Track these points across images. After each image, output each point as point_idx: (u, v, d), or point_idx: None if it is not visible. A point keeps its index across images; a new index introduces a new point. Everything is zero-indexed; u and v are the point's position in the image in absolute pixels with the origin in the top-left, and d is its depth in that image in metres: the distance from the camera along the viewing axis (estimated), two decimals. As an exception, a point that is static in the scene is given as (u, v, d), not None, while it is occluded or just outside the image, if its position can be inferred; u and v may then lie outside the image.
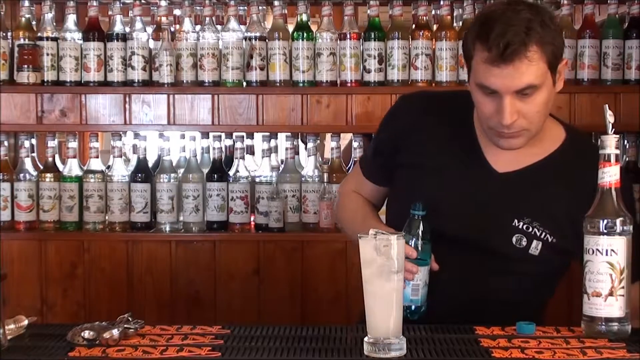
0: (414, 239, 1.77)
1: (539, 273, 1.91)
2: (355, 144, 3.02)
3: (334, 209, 2.14)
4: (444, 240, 1.84)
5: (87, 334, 1.57)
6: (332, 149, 3.05)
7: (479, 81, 1.77)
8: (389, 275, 1.50)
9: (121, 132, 3.07)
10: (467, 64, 1.83)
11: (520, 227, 1.85)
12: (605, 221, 1.57)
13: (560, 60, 1.79)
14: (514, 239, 1.85)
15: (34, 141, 3.13)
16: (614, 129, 1.62)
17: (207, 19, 3.01)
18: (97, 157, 3.07)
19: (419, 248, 1.77)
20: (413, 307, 1.78)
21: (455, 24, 3.08)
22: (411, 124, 1.97)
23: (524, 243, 1.85)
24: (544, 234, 1.85)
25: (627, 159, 2.97)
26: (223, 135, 3.06)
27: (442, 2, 2.97)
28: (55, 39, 3.02)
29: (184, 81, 2.99)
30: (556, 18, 1.85)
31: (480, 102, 1.81)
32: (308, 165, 3.05)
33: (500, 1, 1.82)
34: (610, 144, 1.60)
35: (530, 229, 1.84)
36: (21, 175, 3.05)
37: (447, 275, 1.82)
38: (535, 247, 1.86)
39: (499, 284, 1.87)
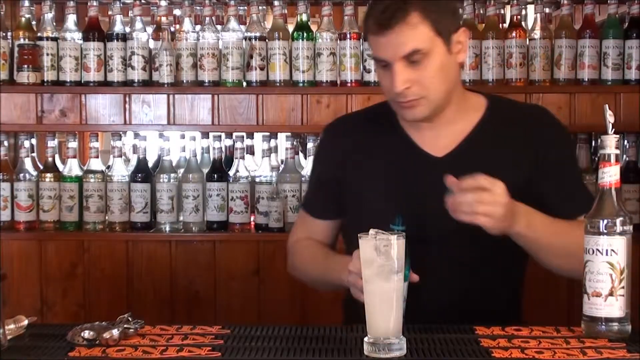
0: None
1: (500, 252, 1.88)
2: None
3: (288, 262, 2.08)
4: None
5: (87, 334, 1.57)
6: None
7: (372, 54, 1.84)
8: (389, 275, 1.50)
9: (121, 132, 3.07)
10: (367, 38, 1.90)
11: None
12: (605, 221, 1.57)
13: (454, 29, 1.82)
14: None
15: (34, 141, 3.13)
16: (614, 129, 1.62)
17: (207, 19, 3.01)
18: (97, 157, 3.07)
19: None
20: None
21: (455, 24, 3.07)
22: (341, 149, 1.99)
23: None
24: None
25: (627, 159, 2.97)
26: (223, 135, 3.06)
27: (442, 2, 2.96)
28: (55, 39, 3.02)
29: (184, 81, 2.99)
30: None
31: (380, 77, 1.88)
32: (308, 165, 3.05)
33: None
34: (610, 144, 1.60)
35: None
36: (21, 175, 3.05)
37: (425, 280, 1.78)
38: None
39: (479, 275, 1.89)
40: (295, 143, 3.09)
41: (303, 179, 3.02)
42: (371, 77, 2.96)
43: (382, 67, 1.82)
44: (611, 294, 1.57)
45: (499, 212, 1.69)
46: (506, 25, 3.08)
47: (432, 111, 1.85)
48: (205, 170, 3.06)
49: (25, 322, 1.65)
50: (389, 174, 1.93)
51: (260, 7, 3.03)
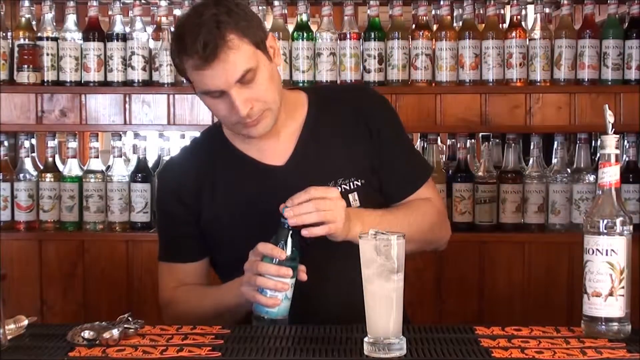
0: (282, 246, 1.73)
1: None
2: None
3: (170, 315, 2.00)
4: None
5: (87, 334, 1.57)
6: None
7: (201, 89, 1.81)
8: (389, 275, 1.50)
9: (121, 132, 3.07)
10: (185, 79, 1.86)
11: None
12: (605, 221, 1.57)
13: (265, 36, 1.84)
14: None
15: (34, 141, 3.14)
16: (614, 129, 1.62)
17: (207, 19, 3.01)
18: (97, 157, 3.07)
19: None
20: (266, 318, 1.73)
21: (455, 24, 3.08)
22: (182, 189, 1.97)
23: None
24: (351, 183, 1.90)
25: (627, 159, 2.97)
26: (223, 135, 3.05)
27: (442, 2, 2.97)
28: (55, 39, 3.02)
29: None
30: (246, 6, 1.87)
31: (214, 108, 1.85)
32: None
33: (188, 10, 1.88)
34: (610, 144, 1.60)
35: (341, 188, 1.87)
36: (21, 175, 3.05)
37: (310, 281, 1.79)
38: (354, 199, 1.90)
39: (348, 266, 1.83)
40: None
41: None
42: (371, 77, 2.96)
43: (214, 97, 1.81)
44: (611, 294, 1.57)
45: (341, 215, 1.73)
46: (506, 25, 3.08)
47: (274, 121, 1.87)
48: (205, 170, 3.05)
49: (25, 322, 1.65)
50: (240, 198, 1.94)
51: (260, 7, 3.03)
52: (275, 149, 1.93)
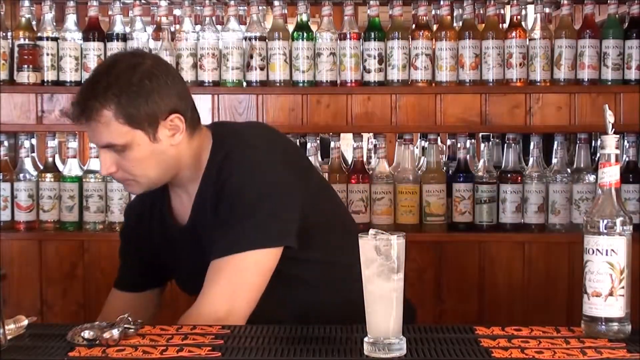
0: None
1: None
2: (354, 144, 3.03)
3: None
4: None
5: (87, 334, 1.57)
6: (331, 149, 3.05)
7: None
8: (389, 275, 1.50)
9: (121, 132, 3.06)
10: None
11: None
12: (605, 221, 1.57)
13: (162, 116, 1.80)
14: None
15: (34, 141, 3.13)
16: (614, 129, 1.62)
17: (207, 19, 3.01)
18: (97, 157, 3.06)
19: None
20: None
21: (455, 24, 3.08)
22: (133, 227, 2.09)
23: None
24: None
25: (627, 159, 2.97)
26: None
27: (442, 2, 2.97)
28: (55, 39, 3.02)
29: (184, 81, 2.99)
30: (163, 80, 1.82)
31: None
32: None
33: (115, 56, 1.97)
34: (610, 144, 1.60)
35: None
36: (21, 175, 3.05)
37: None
38: None
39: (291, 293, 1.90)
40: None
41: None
42: (371, 77, 2.96)
43: None
44: (611, 294, 1.57)
45: None
46: (506, 25, 3.08)
47: (149, 188, 1.89)
48: (205, 170, 3.05)
49: (25, 322, 1.65)
50: (162, 247, 2.02)
51: (260, 7, 3.03)
52: (182, 206, 1.95)
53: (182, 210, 1.96)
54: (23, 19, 3.06)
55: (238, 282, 1.78)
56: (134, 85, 1.79)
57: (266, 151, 1.91)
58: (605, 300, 1.57)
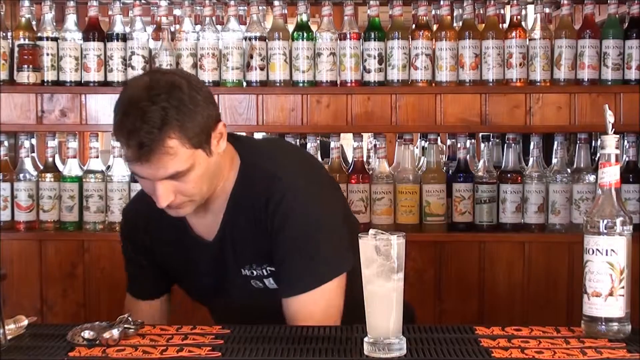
0: None
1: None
2: (355, 144, 3.03)
3: None
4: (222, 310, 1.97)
5: (87, 334, 1.57)
6: (331, 149, 3.05)
7: (130, 169, 1.77)
8: (389, 275, 1.50)
9: (121, 132, 3.06)
10: None
11: (248, 274, 1.88)
12: (605, 221, 1.57)
13: (212, 128, 1.75)
14: (253, 284, 1.89)
15: (34, 141, 3.13)
16: (614, 129, 1.62)
17: (207, 19, 3.01)
18: (97, 157, 3.07)
19: None
20: None
21: (455, 24, 3.08)
22: (130, 234, 2.03)
23: (261, 285, 1.89)
24: (265, 270, 1.87)
25: (627, 159, 2.97)
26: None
27: (442, 2, 2.97)
28: (55, 39, 3.02)
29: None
30: (200, 87, 1.75)
31: (139, 182, 1.81)
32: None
33: (142, 81, 1.75)
34: (610, 144, 1.60)
35: (255, 272, 1.88)
36: (21, 175, 3.05)
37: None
38: (270, 283, 1.89)
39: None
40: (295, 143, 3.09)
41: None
42: (371, 77, 2.96)
43: (140, 176, 1.77)
44: (611, 294, 1.57)
45: None
46: (506, 25, 3.08)
47: (195, 207, 1.83)
48: (205, 170, 3.05)
49: (25, 322, 1.65)
50: (177, 257, 1.97)
51: (260, 7, 3.03)
52: (206, 224, 1.90)
53: (202, 224, 1.91)
54: (23, 19, 3.06)
55: (329, 311, 1.82)
56: (188, 103, 1.69)
57: (310, 173, 1.93)
58: (605, 300, 1.58)
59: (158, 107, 1.67)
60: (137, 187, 2.97)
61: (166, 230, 1.94)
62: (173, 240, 1.95)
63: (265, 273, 1.87)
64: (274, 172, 1.83)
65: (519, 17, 3.00)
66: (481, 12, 3.10)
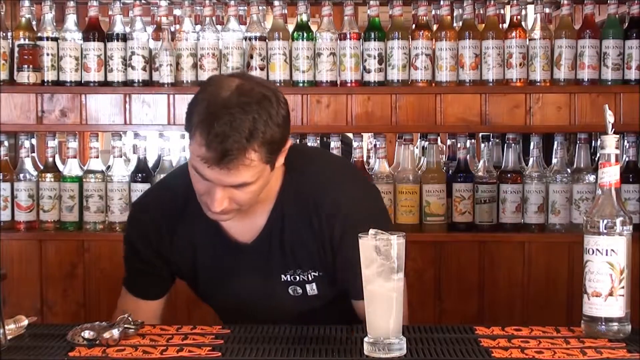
0: None
1: (328, 302, 1.92)
2: (355, 144, 3.03)
3: None
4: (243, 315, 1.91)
5: (87, 334, 1.57)
6: (331, 149, 3.05)
7: (194, 166, 1.69)
8: (389, 275, 1.50)
9: (121, 132, 3.07)
10: (188, 134, 1.71)
11: (289, 279, 1.87)
12: (605, 221, 1.58)
13: (284, 145, 1.73)
14: (290, 291, 1.88)
15: (34, 141, 3.13)
16: (614, 129, 1.62)
17: (207, 19, 3.01)
18: (97, 157, 3.07)
19: None
20: None
21: (455, 24, 3.08)
22: (145, 232, 1.94)
23: (300, 291, 1.88)
24: (309, 275, 1.86)
25: (627, 159, 2.97)
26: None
27: (442, 2, 2.97)
28: (55, 39, 3.02)
29: (184, 81, 2.99)
30: (285, 104, 1.73)
31: (194, 179, 1.74)
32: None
33: (233, 83, 1.68)
34: (610, 144, 1.60)
35: (298, 278, 1.86)
36: (21, 175, 3.05)
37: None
38: (312, 289, 1.88)
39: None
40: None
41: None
42: (371, 77, 2.96)
43: (199, 176, 1.71)
44: (611, 294, 1.57)
45: None
46: (506, 25, 3.08)
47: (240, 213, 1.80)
48: (205, 170, 3.05)
49: (25, 322, 1.65)
50: (202, 258, 1.92)
51: (260, 7, 3.03)
52: (243, 225, 1.86)
53: (237, 226, 1.87)
54: (23, 19, 3.06)
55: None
56: (275, 118, 1.67)
57: (355, 174, 2.03)
58: (605, 300, 1.58)
59: (249, 118, 1.63)
60: (137, 187, 2.99)
61: (197, 231, 1.89)
62: (205, 242, 1.90)
63: (310, 278, 1.86)
64: (321, 174, 1.85)
65: (519, 17, 3.00)
66: (481, 12, 3.10)
